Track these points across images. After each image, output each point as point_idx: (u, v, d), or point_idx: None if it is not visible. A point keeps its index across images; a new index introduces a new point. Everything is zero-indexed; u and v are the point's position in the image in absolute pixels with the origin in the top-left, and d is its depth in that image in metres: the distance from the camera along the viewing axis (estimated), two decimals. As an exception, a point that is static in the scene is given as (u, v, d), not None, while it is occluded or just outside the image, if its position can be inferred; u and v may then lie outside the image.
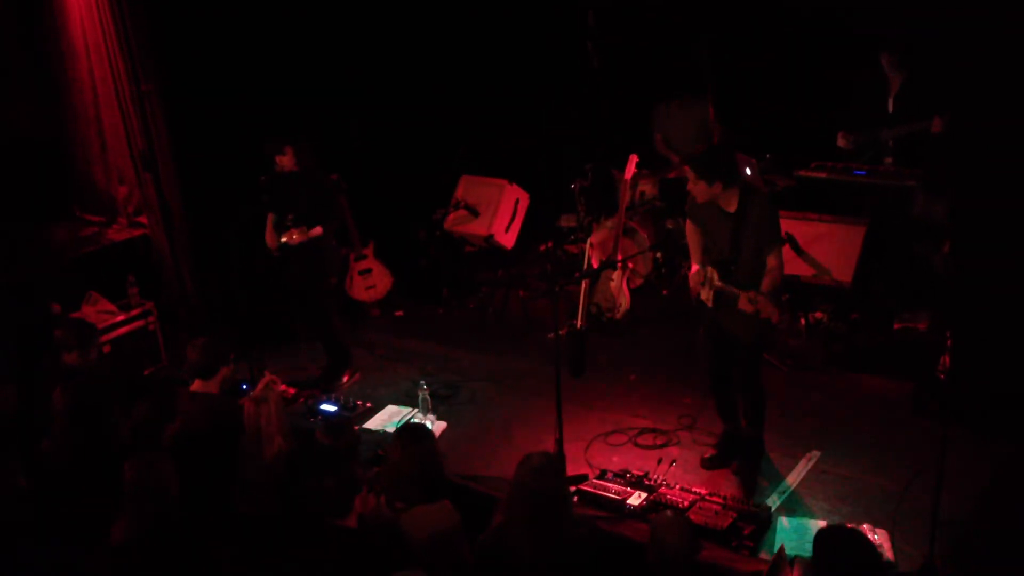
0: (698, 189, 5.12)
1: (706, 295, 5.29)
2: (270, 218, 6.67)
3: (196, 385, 5.24)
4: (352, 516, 4.05)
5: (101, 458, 4.79)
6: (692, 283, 5.40)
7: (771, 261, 5.10)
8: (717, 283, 5.19)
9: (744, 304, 4.97)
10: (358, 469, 4.35)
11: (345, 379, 6.97)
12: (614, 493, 5.21)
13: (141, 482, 4.15)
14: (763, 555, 4.72)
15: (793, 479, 5.42)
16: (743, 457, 5.55)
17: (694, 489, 5.21)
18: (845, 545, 3.65)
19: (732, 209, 5.13)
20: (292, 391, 6.63)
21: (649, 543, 3.98)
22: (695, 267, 5.42)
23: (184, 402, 5.21)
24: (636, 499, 5.13)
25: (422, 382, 6.42)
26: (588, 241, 7.59)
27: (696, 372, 6.59)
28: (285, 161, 6.49)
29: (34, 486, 5.08)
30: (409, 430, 4.53)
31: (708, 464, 5.60)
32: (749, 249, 5.11)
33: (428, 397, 6.30)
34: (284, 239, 6.53)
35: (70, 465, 4.82)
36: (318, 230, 6.58)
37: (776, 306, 4.94)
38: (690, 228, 5.48)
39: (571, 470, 5.46)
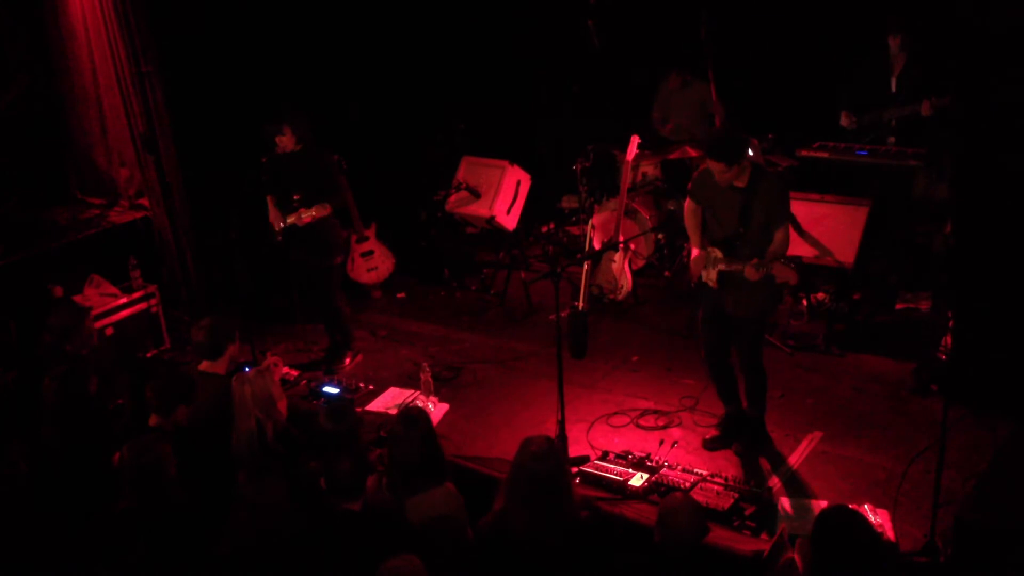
0: (730, 175, 5.04)
1: (708, 275, 5.28)
2: (271, 200, 6.64)
3: (203, 366, 5.23)
4: (355, 500, 4.06)
5: (97, 443, 4.81)
6: (693, 266, 5.40)
7: (778, 235, 5.09)
8: (721, 261, 5.19)
9: (750, 272, 4.96)
10: (363, 454, 4.36)
11: (347, 361, 6.98)
12: (616, 474, 5.23)
13: (138, 465, 4.17)
14: (764, 536, 4.73)
15: (795, 460, 5.43)
16: (744, 438, 5.57)
17: (696, 470, 5.23)
18: (845, 525, 3.66)
19: (742, 184, 5.11)
20: (295, 373, 6.64)
21: (657, 524, 3.99)
22: (695, 250, 5.41)
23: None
24: (638, 480, 5.15)
25: (424, 364, 6.42)
26: (590, 222, 7.58)
27: (697, 353, 6.60)
28: (285, 141, 6.45)
29: (34, 471, 5.10)
30: (405, 415, 4.54)
31: (710, 445, 5.61)
32: (757, 225, 5.10)
33: (430, 379, 6.31)
34: (292, 220, 6.52)
35: (66, 451, 4.83)
36: (327, 209, 6.57)
37: (790, 269, 4.90)
38: (690, 209, 5.46)
39: (573, 451, 5.49)
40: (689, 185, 5.51)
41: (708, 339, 5.57)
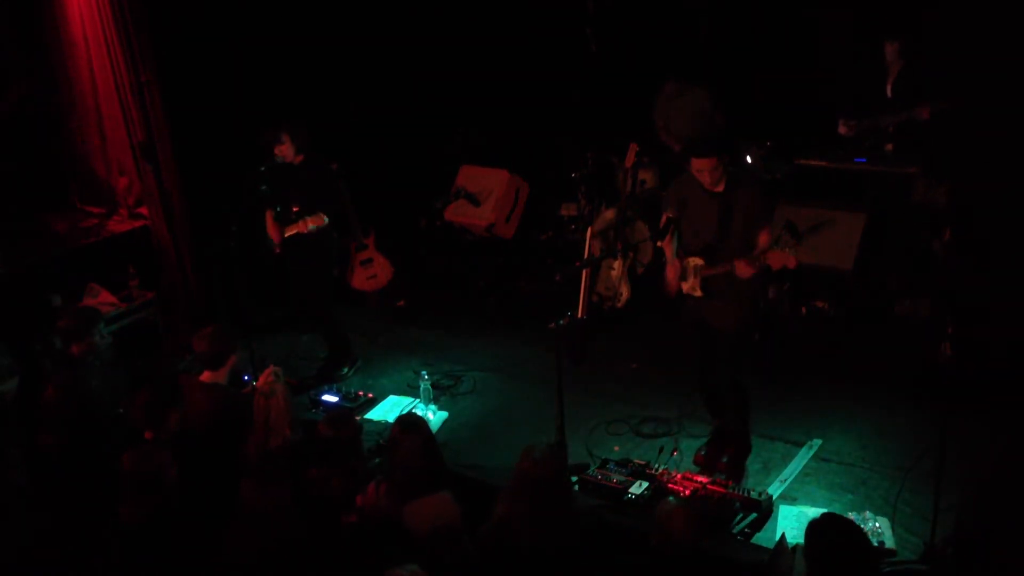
0: (714, 175, 4.99)
1: (690, 286, 5.18)
2: (269, 214, 6.64)
3: (205, 376, 5.22)
4: (353, 509, 4.06)
5: (98, 450, 4.80)
6: (670, 278, 5.26)
7: (762, 236, 4.98)
8: (702, 268, 5.11)
9: (743, 268, 4.84)
10: (360, 464, 4.35)
11: (346, 369, 6.98)
12: (615, 482, 5.22)
13: (139, 472, 4.17)
14: (764, 543, 4.73)
15: (794, 467, 5.42)
16: (730, 453, 5.51)
17: (695, 478, 5.22)
18: (836, 535, 3.66)
19: (720, 189, 5.06)
20: (294, 382, 6.61)
21: (654, 530, 4.00)
22: (670, 261, 5.27)
23: (192, 393, 5.20)
24: (637, 488, 5.14)
25: (423, 372, 6.42)
26: (589, 230, 7.58)
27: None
28: (284, 150, 6.45)
29: (33, 478, 5.09)
30: (404, 422, 4.54)
31: (702, 464, 5.51)
32: (737, 231, 5.03)
33: (429, 387, 6.31)
34: (295, 230, 6.52)
35: (66, 458, 4.83)
36: (323, 218, 6.57)
37: (786, 253, 4.76)
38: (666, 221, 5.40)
39: (572, 459, 5.48)
40: (672, 195, 5.39)
41: (694, 351, 5.52)
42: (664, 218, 5.25)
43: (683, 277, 5.19)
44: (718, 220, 5.05)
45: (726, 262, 4.97)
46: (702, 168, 5.02)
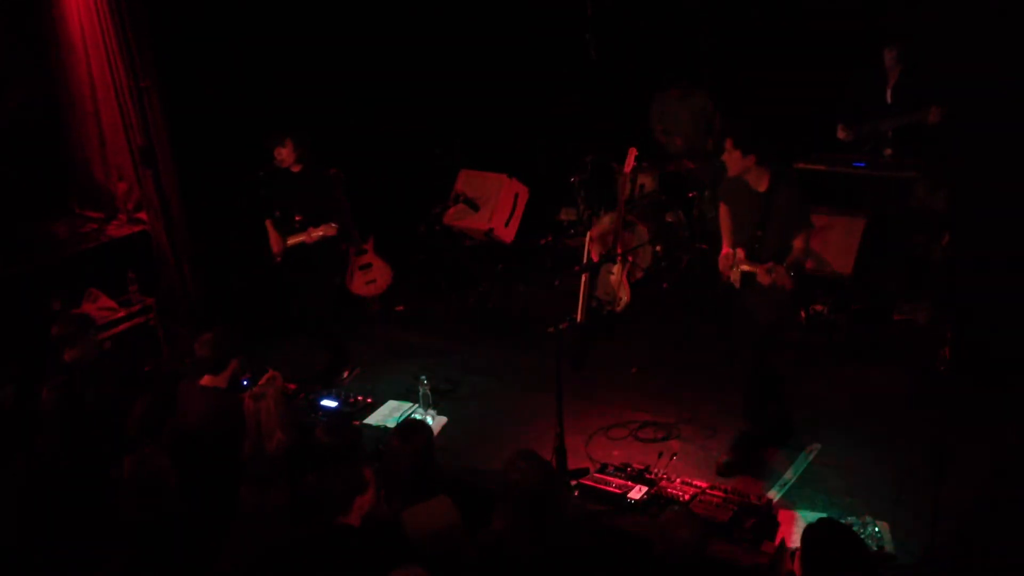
0: (732, 159, 5.14)
1: (734, 276, 5.31)
2: (270, 224, 6.64)
3: (205, 380, 5.21)
4: (353, 514, 4.05)
5: (95, 455, 4.80)
6: (721, 266, 5.41)
7: (797, 243, 5.12)
8: (743, 263, 5.21)
9: (762, 276, 5.01)
10: (361, 468, 4.35)
11: (345, 374, 6.97)
12: (615, 487, 5.22)
13: (138, 477, 4.17)
14: (764, 547, 4.72)
15: (794, 471, 5.42)
16: (730, 456, 5.52)
17: (695, 483, 5.22)
18: (831, 539, 3.65)
19: (762, 189, 5.15)
20: (293, 387, 6.62)
21: (657, 538, 3.99)
22: (726, 249, 5.41)
23: (192, 397, 5.19)
24: (637, 493, 5.14)
25: (423, 377, 6.41)
26: (588, 235, 7.58)
27: (697, 365, 6.61)
28: (284, 154, 6.46)
29: (31, 483, 5.09)
30: (404, 427, 4.53)
31: (724, 470, 5.46)
32: (775, 230, 5.13)
33: (429, 392, 6.30)
34: (300, 239, 6.52)
35: (62, 462, 4.82)
36: (334, 228, 6.56)
37: (789, 276, 4.94)
38: (723, 210, 5.52)
39: (572, 464, 5.48)
40: (719, 187, 5.56)
41: (736, 344, 5.62)
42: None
43: (730, 266, 5.31)
44: (758, 217, 5.16)
45: (757, 262, 5.11)
46: (725, 156, 5.18)
